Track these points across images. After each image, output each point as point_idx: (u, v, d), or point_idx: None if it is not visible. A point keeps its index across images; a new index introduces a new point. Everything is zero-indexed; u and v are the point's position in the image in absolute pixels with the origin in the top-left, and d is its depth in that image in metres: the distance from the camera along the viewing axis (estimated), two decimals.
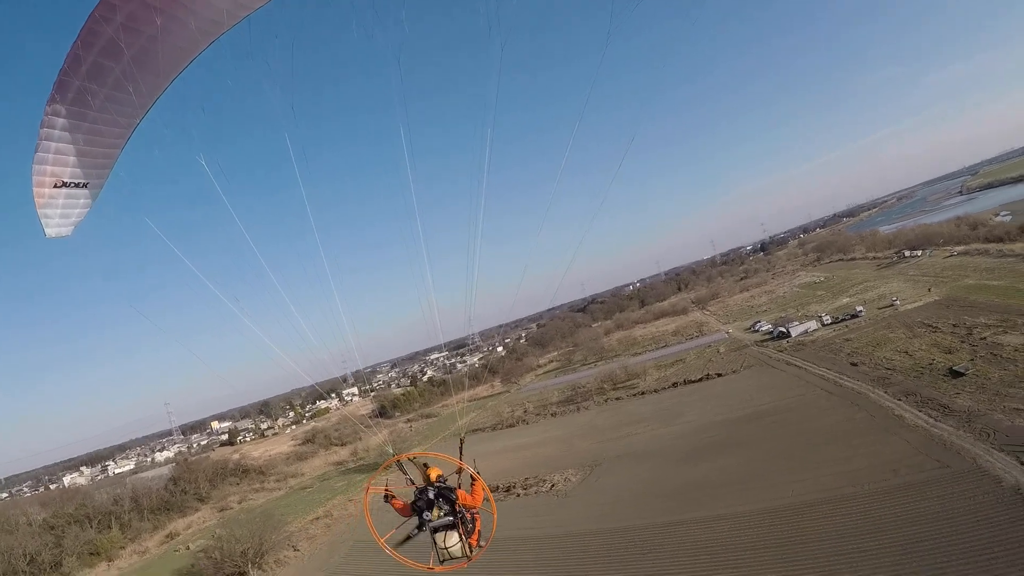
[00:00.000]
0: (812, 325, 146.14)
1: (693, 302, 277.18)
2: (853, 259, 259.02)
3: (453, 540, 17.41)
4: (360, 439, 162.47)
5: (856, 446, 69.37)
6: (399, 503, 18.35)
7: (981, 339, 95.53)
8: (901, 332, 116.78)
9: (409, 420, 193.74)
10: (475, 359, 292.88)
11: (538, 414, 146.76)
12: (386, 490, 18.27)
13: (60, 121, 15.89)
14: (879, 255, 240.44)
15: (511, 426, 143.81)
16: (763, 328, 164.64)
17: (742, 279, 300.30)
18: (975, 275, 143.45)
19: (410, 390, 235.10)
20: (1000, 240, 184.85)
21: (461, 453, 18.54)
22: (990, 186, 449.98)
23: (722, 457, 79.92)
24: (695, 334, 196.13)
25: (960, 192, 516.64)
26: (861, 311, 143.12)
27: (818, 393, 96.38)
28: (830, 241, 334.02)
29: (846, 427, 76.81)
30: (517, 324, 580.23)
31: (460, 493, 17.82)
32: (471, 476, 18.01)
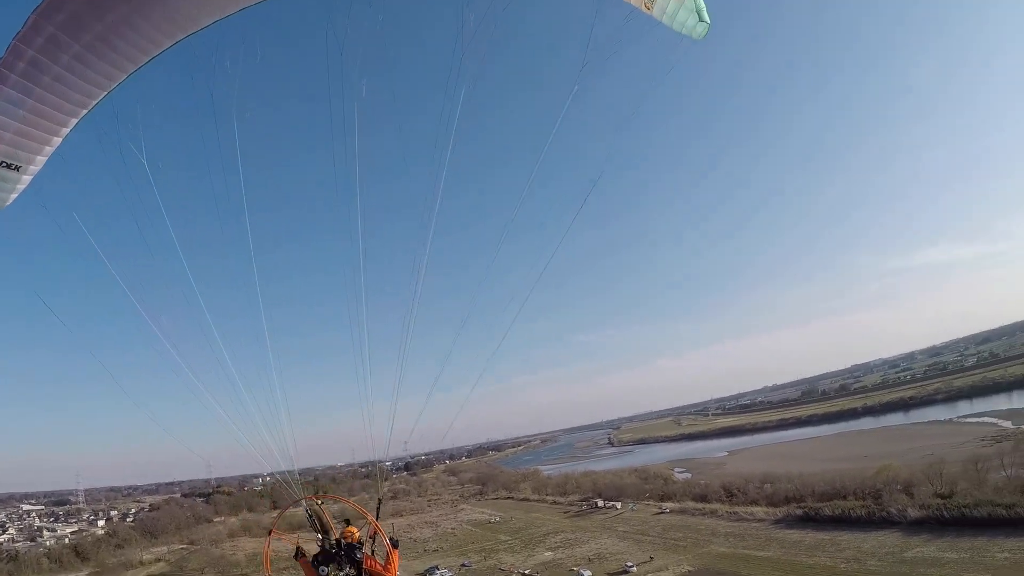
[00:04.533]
0: None
1: (336, 518, 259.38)
2: (527, 500, 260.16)
3: None
4: None
5: None
6: (308, 567, 21.86)
7: None
8: None
9: None
10: (67, 531, 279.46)
11: None
12: (297, 545, 22.89)
13: (4, 91, 17.82)
14: (560, 500, 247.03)
15: None
16: None
17: (392, 498, 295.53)
18: (723, 541, 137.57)
19: None
20: (704, 499, 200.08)
21: (378, 516, 22.87)
22: (643, 442, 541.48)
23: None
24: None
25: (610, 443, 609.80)
26: None
27: None
28: (490, 475, 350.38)
29: None
30: (130, 492, 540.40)
31: (368, 559, 21.33)
32: (386, 546, 21.57)
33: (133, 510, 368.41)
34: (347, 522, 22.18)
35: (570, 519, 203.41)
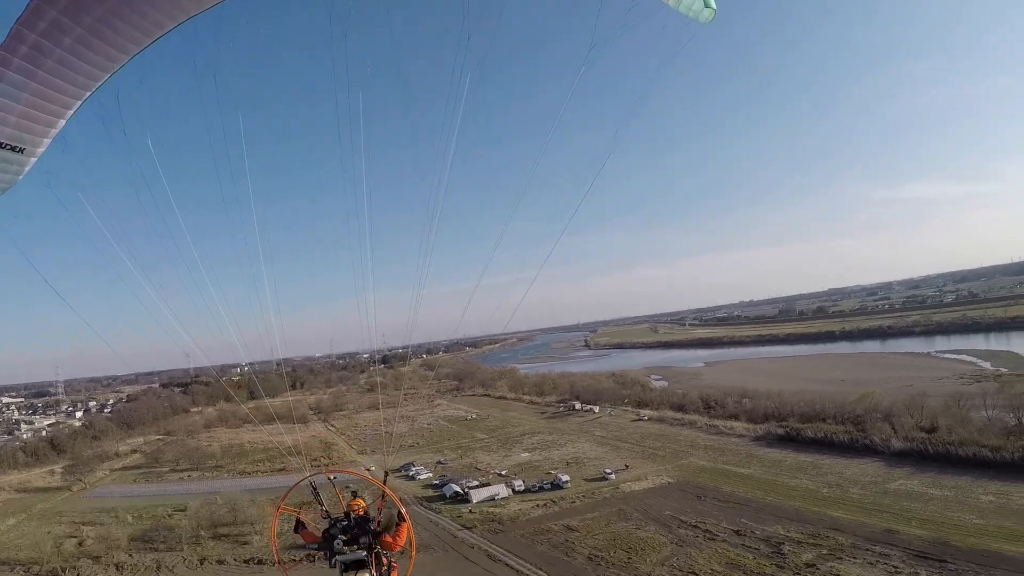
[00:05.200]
0: (500, 490, 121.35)
1: (313, 409, 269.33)
2: (503, 398, 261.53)
3: None
4: None
5: None
6: (310, 535, 21.18)
7: (808, 567, 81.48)
8: (652, 529, 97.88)
9: None
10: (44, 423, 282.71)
11: (98, 557, 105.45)
12: (298, 517, 21.67)
13: (8, 75, 17.37)
14: (537, 400, 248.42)
15: None
16: (421, 476, 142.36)
17: (369, 391, 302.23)
18: (703, 454, 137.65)
19: None
20: (682, 409, 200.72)
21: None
22: (619, 346, 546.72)
23: None
24: (324, 460, 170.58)
25: (587, 346, 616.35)
26: (566, 481, 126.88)
27: None
28: (467, 371, 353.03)
29: None
30: (110, 382, 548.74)
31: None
32: (396, 516, 20.63)
33: (111, 401, 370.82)
34: (354, 495, 21.38)
35: (547, 420, 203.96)
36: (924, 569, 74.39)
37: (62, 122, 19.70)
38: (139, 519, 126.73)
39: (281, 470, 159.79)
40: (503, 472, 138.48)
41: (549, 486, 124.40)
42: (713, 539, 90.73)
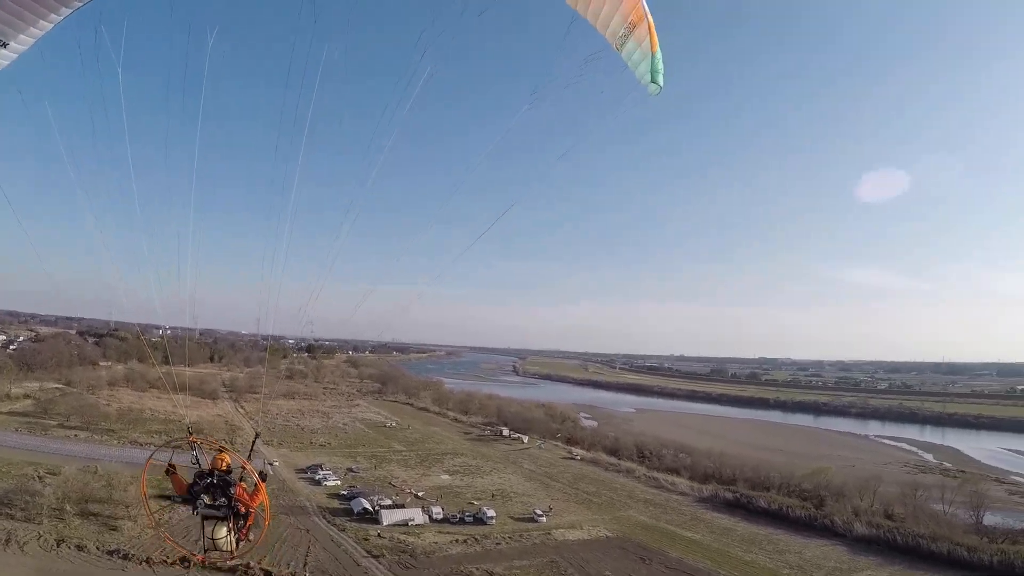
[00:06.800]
0: (416, 515, 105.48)
1: (226, 387, 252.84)
2: (426, 410, 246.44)
3: (221, 533, 21.00)
4: None
5: None
6: (179, 481, 21.70)
7: None
8: None
9: None
10: None
11: None
12: (170, 464, 21.97)
13: None
14: (462, 418, 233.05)
15: None
16: (329, 481, 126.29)
17: (287, 377, 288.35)
18: (643, 508, 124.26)
19: None
20: (615, 453, 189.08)
21: (252, 451, 23.47)
22: (548, 377, 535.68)
23: None
24: (224, 443, 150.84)
25: (515, 371, 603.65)
26: (491, 517, 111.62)
27: None
28: (392, 375, 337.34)
29: None
30: (27, 320, 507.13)
31: (239, 487, 21.09)
32: (256, 480, 21.56)
33: (20, 338, 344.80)
34: (220, 450, 21.56)
35: (471, 442, 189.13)
36: None
37: (49, 25, 19.35)
38: (4, 475, 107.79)
39: (177, 447, 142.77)
40: (420, 494, 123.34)
41: (471, 519, 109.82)
42: None
